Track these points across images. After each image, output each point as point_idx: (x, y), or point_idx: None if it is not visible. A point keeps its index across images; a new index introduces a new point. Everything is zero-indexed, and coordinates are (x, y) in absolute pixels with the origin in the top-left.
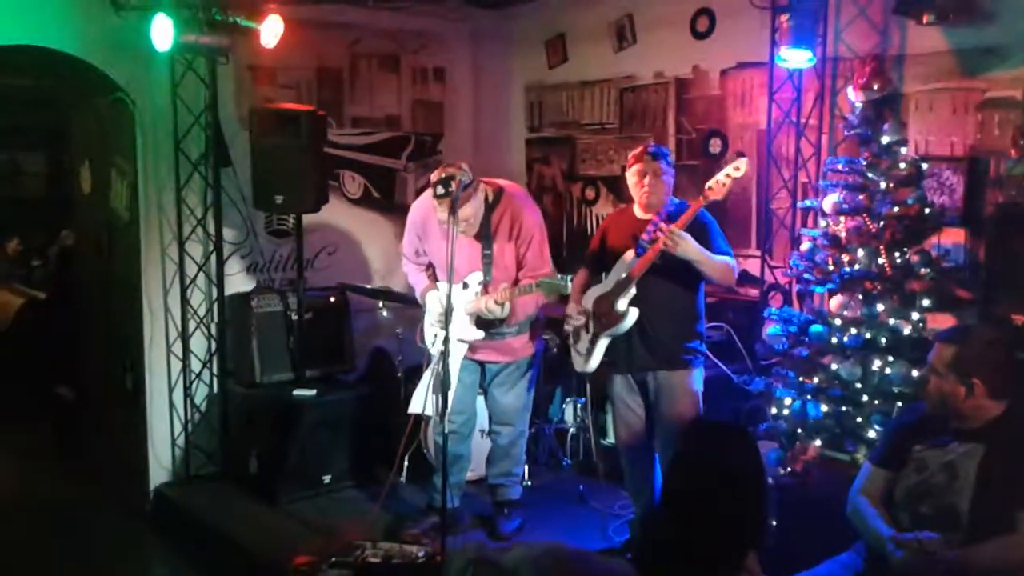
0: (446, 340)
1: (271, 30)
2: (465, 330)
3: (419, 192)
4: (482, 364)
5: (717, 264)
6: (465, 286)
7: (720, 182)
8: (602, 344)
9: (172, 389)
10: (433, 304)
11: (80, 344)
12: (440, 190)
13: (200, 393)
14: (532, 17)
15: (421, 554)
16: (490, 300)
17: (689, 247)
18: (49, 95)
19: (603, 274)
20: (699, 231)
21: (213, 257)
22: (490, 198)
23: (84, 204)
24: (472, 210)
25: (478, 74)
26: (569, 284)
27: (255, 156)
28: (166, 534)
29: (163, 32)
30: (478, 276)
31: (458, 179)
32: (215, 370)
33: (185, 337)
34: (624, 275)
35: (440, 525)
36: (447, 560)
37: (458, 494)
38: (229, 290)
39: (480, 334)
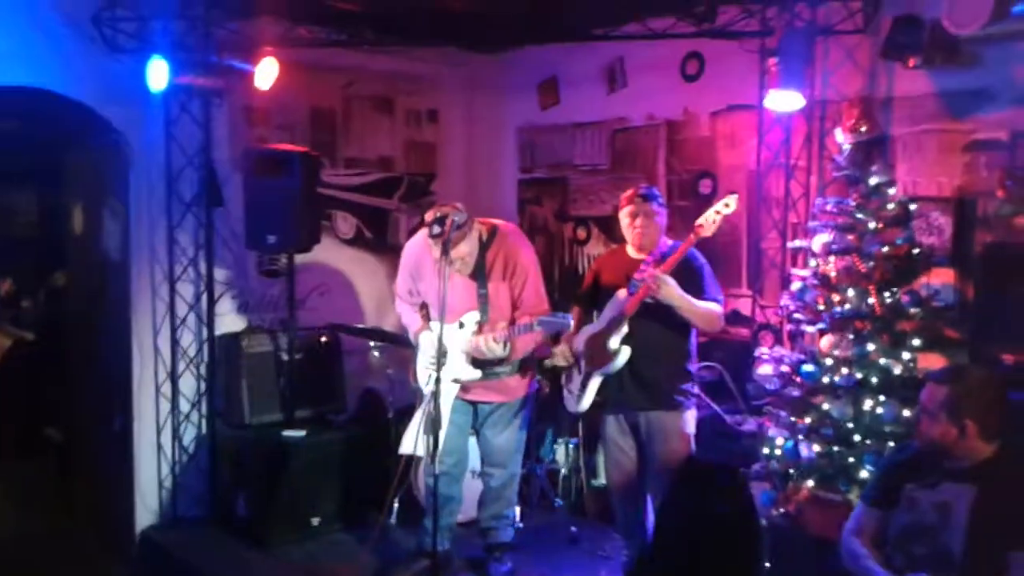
0: (438, 380)
1: (266, 72)
2: (461, 369)
3: (411, 232)
4: (475, 404)
5: (701, 311)
6: (461, 326)
7: (710, 219)
8: (594, 383)
9: (160, 430)
10: (427, 344)
11: (69, 385)
12: (436, 229)
13: (188, 434)
14: (524, 60)
15: None
16: (490, 339)
17: (672, 293)
18: (43, 135)
19: (595, 313)
20: (691, 273)
21: (204, 297)
22: (484, 237)
23: (76, 244)
24: (467, 248)
25: (471, 116)
26: (570, 322)
27: (248, 196)
28: None
29: (158, 74)
30: (474, 316)
31: (451, 218)
32: (204, 411)
33: (174, 378)
34: (616, 314)
35: (431, 569)
36: None
37: (449, 537)
38: (219, 330)
39: (477, 373)
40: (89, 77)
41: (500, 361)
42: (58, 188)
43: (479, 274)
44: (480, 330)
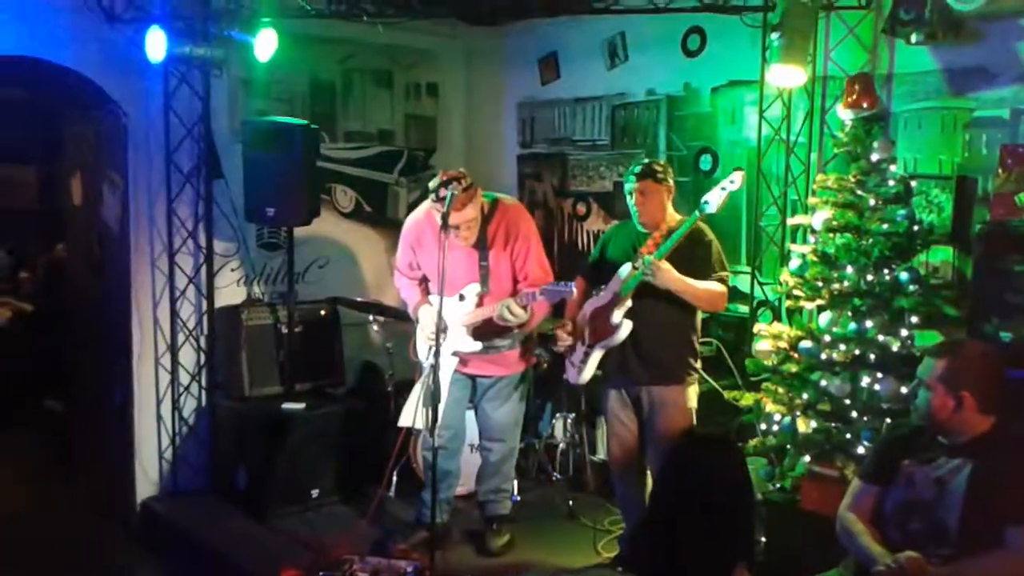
0: (437, 353)
1: (265, 44)
2: (462, 342)
3: (411, 207)
4: (473, 378)
5: (701, 293)
6: (461, 298)
7: (716, 196)
8: (596, 356)
9: (160, 402)
10: (426, 318)
11: (69, 357)
12: (442, 191)
13: (188, 406)
14: (525, 35)
15: (410, 569)
16: (514, 304)
17: (669, 278)
18: (40, 106)
19: (601, 286)
20: (699, 250)
21: (203, 269)
22: (486, 210)
23: (75, 216)
24: (473, 212)
25: (471, 90)
26: (573, 290)
27: (247, 169)
28: (153, 548)
29: (157, 44)
30: (475, 288)
31: (456, 182)
32: (204, 383)
33: (174, 350)
34: (619, 288)
35: (429, 541)
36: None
37: (447, 510)
38: (219, 303)
39: (478, 346)
40: (86, 47)
41: (502, 333)
42: (56, 159)
43: (481, 246)
44: (481, 302)
